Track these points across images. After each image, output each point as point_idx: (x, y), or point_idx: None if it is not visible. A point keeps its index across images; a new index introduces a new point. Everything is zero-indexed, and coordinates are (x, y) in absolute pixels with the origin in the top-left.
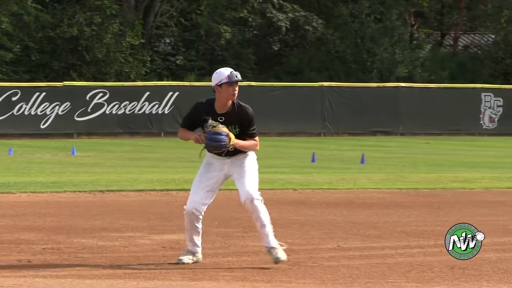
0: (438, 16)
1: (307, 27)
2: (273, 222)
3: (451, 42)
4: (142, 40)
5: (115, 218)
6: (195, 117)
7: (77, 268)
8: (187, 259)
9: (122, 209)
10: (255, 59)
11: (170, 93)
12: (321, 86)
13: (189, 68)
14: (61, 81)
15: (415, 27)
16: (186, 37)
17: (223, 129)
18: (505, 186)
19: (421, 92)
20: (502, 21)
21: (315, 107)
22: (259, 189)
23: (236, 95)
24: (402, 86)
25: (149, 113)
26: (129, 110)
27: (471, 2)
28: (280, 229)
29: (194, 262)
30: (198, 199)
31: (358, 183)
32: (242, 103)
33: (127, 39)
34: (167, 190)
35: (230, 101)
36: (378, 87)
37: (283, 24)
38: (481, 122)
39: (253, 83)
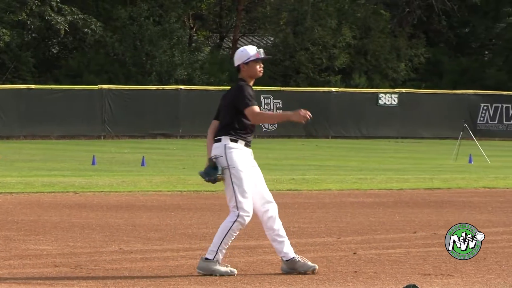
0: (217, 19)
1: (86, 29)
2: (55, 225)
3: (231, 45)
4: None
5: None
6: None
7: None
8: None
9: None
10: (34, 62)
11: None
12: (101, 89)
13: None
14: None
15: (194, 30)
16: None
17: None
18: (286, 188)
19: (200, 95)
20: (281, 23)
21: (95, 110)
22: None
23: (262, 72)
24: (181, 89)
25: None
26: None
27: (250, 5)
28: (61, 232)
29: None
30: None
31: (139, 185)
32: None
33: None
34: None
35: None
36: (158, 89)
37: (61, 27)
38: (261, 124)
39: (32, 86)
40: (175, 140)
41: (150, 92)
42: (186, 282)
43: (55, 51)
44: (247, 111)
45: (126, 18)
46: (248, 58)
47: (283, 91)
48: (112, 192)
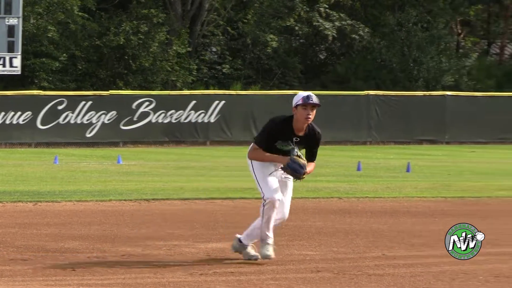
0: (485, 25)
1: (353, 35)
2: (318, 231)
3: (498, 51)
4: (188, 49)
5: (160, 227)
6: (274, 137)
7: (122, 276)
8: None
9: (167, 217)
10: (301, 68)
11: (216, 102)
12: (368, 95)
13: (235, 76)
14: (107, 90)
15: (462, 36)
16: (233, 46)
17: (303, 162)
18: None
19: (467, 101)
20: None
21: (361, 115)
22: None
23: (310, 118)
24: (448, 95)
25: (195, 121)
26: (175, 119)
27: None
28: (325, 237)
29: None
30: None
31: (404, 191)
32: (315, 126)
33: (174, 48)
34: (212, 198)
35: (306, 124)
36: (424, 95)
37: (329, 32)
38: None
39: (299, 92)
40: (441, 146)
41: (416, 98)
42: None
43: (322, 57)
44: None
45: (394, 24)
46: (296, 103)
47: None
48: (377, 198)
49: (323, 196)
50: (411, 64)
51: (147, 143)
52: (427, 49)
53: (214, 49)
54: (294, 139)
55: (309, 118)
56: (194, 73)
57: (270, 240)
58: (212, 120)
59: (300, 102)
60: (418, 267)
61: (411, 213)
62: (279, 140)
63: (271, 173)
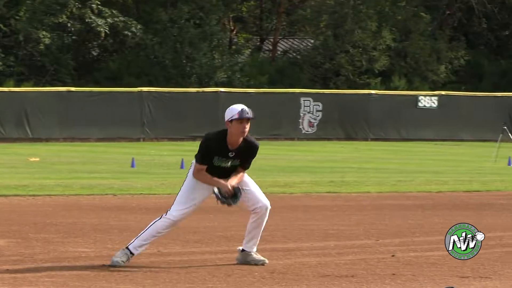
0: (257, 21)
1: (126, 32)
2: (93, 227)
3: (271, 47)
4: None
5: None
6: (210, 154)
7: None
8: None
9: None
10: (74, 65)
11: None
12: (141, 92)
13: (8, 74)
14: None
15: (235, 32)
16: (5, 43)
17: (233, 193)
18: (325, 191)
19: (240, 97)
20: (321, 25)
21: (134, 112)
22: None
23: (246, 132)
24: (221, 91)
25: None
26: None
27: (290, 7)
28: (100, 234)
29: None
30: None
31: (177, 188)
32: (250, 138)
33: None
34: None
35: (242, 137)
36: (198, 92)
37: (102, 29)
38: (300, 126)
39: (72, 89)
40: None
41: (190, 94)
42: (224, 284)
43: (95, 54)
44: (194, 162)
45: (167, 21)
46: (231, 117)
47: (323, 93)
48: (151, 194)
49: (98, 193)
50: (184, 61)
51: None
52: (200, 45)
53: None
54: (229, 154)
55: (245, 131)
56: None
57: (135, 252)
58: None
59: (236, 116)
60: (193, 264)
61: None
62: (215, 156)
63: (194, 203)
